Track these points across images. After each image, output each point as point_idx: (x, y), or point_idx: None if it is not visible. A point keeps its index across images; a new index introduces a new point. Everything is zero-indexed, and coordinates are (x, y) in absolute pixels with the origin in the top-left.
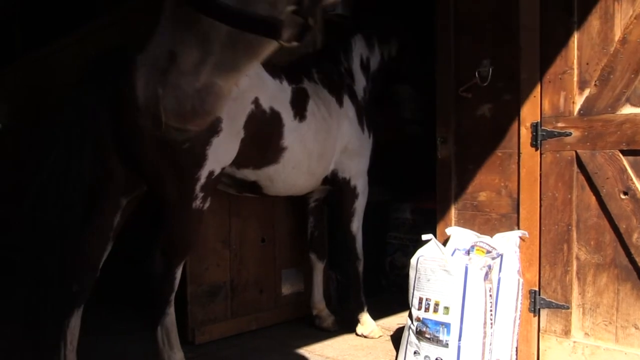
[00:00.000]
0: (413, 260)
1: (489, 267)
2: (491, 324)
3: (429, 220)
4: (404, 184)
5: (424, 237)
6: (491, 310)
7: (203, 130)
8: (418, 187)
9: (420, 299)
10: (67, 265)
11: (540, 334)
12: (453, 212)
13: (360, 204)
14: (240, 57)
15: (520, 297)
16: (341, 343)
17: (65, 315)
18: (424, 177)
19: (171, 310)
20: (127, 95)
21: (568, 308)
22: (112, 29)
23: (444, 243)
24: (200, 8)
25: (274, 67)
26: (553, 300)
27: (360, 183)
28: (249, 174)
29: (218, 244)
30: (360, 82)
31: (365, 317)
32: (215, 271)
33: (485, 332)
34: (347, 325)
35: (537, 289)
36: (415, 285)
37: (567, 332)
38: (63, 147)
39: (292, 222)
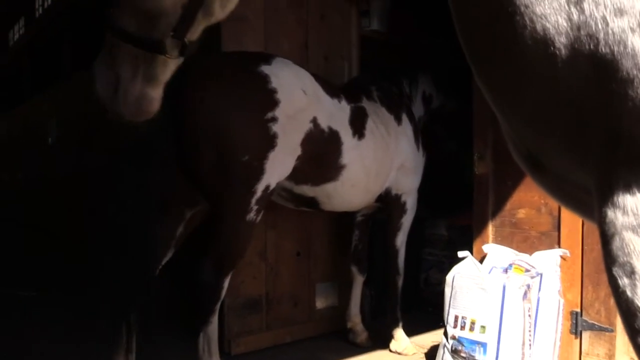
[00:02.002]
0: (449, 277)
1: (528, 286)
2: (530, 344)
3: (465, 237)
4: (440, 200)
5: (460, 254)
6: (530, 331)
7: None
8: (454, 203)
9: (456, 317)
10: (135, 266)
11: (581, 357)
12: (490, 229)
13: (407, 220)
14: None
15: (560, 318)
16: (374, 359)
17: (128, 309)
18: (460, 193)
19: (214, 319)
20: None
21: (612, 331)
22: None
23: (481, 260)
24: (119, 36)
25: (333, 87)
26: (596, 323)
27: (410, 200)
28: (307, 190)
29: (255, 257)
30: (419, 111)
31: (399, 333)
32: (252, 284)
33: (523, 353)
34: (380, 341)
35: (579, 310)
36: (451, 303)
37: (611, 356)
38: (138, 162)
39: (328, 236)
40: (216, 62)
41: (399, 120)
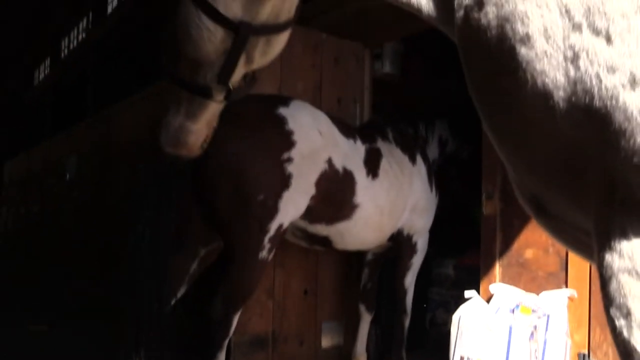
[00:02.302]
0: (455, 317)
1: (535, 327)
2: None
3: (472, 277)
4: (446, 239)
5: (467, 293)
6: None
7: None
8: (461, 242)
9: (462, 357)
10: (148, 301)
11: None
12: (497, 268)
13: (417, 260)
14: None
15: None
16: None
17: (139, 343)
18: (467, 232)
19: (222, 356)
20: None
21: None
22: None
23: (488, 300)
24: (171, 80)
25: (348, 128)
26: None
27: (421, 240)
28: (321, 229)
29: (262, 294)
30: (433, 154)
31: None
32: (258, 322)
33: None
34: None
35: (586, 351)
36: (457, 343)
37: None
38: (155, 201)
39: (335, 274)
40: (235, 103)
41: (413, 160)
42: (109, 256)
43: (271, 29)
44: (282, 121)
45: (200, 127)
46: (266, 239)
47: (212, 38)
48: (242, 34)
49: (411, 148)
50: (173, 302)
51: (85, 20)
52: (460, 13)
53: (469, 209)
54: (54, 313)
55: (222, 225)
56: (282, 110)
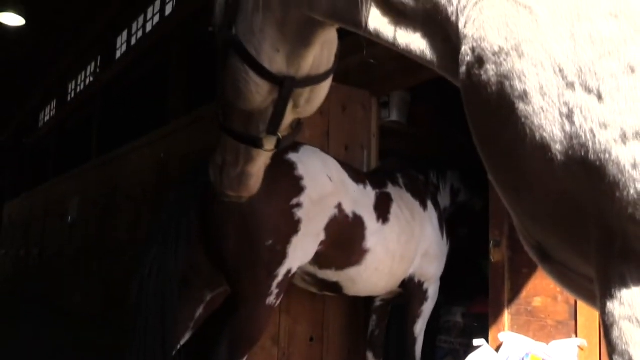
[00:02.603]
0: None
1: None
2: None
3: (481, 325)
4: (455, 287)
5: (476, 342)
6: None
7: (285, 229)
8: (470, 290)
9: None
10: (153, 346)
11: None
12: (506, 317)
13: (427, 308)
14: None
15: None
16: None
17: None
18: (475, 280)
19: None
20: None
21: None
22: (178, 135)
23: (497, 349)
24: (226, 133)
25: (358, 174)
26: None
27: (432, 287)
28: (331, 275)
29: (267, 341)
30: (445, 202)
31: None
32: None
33: None
34: None
35: None
36: None
37: None
38: (161, 245)
39: (342, 321)
40: None
41: (424, 206)
42: (112, 301)
43: (313, 80)
44: (291, 166)
45: (257, 170)
46: (274, 285)
47: (259, 92)
48: (286, 87)
49: (422, 194)
50: (177, 349)
51: (93, 64)
52: (462, 69)
53: (477, 256)
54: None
55: (230, 269)
56: (292, 156)
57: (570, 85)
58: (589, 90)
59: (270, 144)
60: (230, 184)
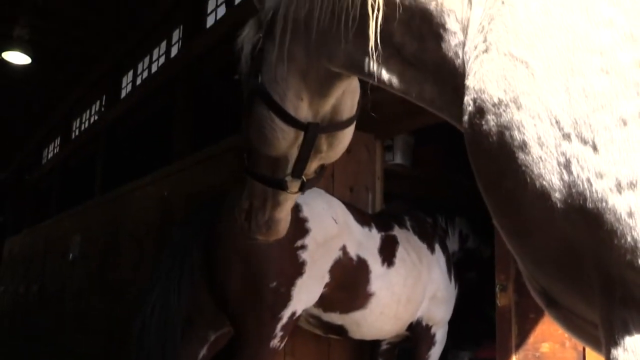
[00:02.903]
0: None
1: None
2: None
3: None
4: (463, 331)
5: None
6: None
7: (289, 273)
8: (477, 335)
9: None
10: None
11: None
12: None
13: (435, 352)
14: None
15: None
16: None
17: None
18: (483, 324)
19: None
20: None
21: None
22: (183, 174)
23: None
24: (251, 176)
25: (363, 216)
26: None
27: (440, 332)
28: (335, 318)
29: None
30: (453, 246)
31: None
32: None
33: None
34: None
35: None
36: None
37: None
38: (164, 283)
39: None
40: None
41: (431, 249)
42: (114, 340)
43: (336, 127)
44: (296, 208)
45: (285, 215)
46: (278, 327)
47: (285, 137)
48: (311, 133)
49: (430, 237)
50: None
51: (98, 103)
52: (465, 118)
53: (485, 301)
54: None
55: (233, 310)
56: (296, 197)
57: (567, 137)
58: (584, 141)
59: (295, 186)
60: (258, 229)
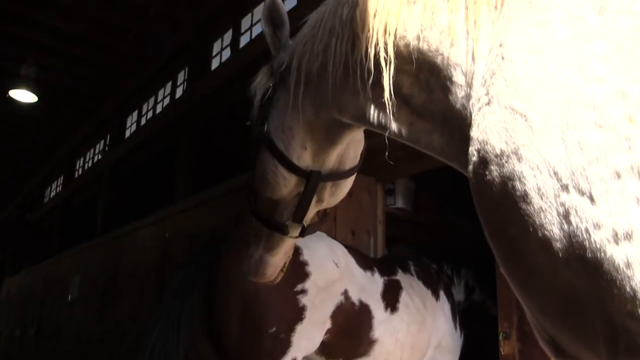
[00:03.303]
0: None
1: None
2: None
3: None
4: None
5: None
6: None
7: (289, 318)
8: None
9: None
10: None
11: None
12: None
13: None
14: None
15: None
16: None
17: None
18: None
19: None
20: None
21: None
22: (185, 215)
23: None
24: (255, 217)
25: (366, 260)
26: None
27: None
28: None
29: None
30: (459, 295)
31: None
32: None
33: None
34: None
35: None
36: None
37: None
38: (164, 326)
39: None
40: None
41: (436, 295)
42: None
43: (338, 176)
44: (296, 251)
45: (277, 259)
46: None
47: (286, 184)
48: (312, 181)
49: (434, 283)
50: None
51: (102, 143)
52: (470, 168)
53: (490, 352)
54: None
55: (232, 356)
56: (297, 241)
57: (565, 188)
58: (581, 192)
59: (295, 231)
60: (248, 269)
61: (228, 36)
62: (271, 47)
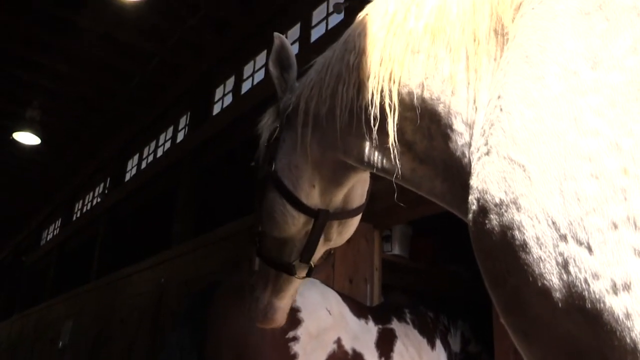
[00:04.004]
0: None
1: None
2: None
3: None
4: None
5: None
6: None
7: None
8: None
9: None
10: None
11: None
12: None
13: None
14: (282, 283)
15: None
16: None
17: None
18: None
19: None
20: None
21: None
22: (181, 260)
23: None
24: (260, 259)
25: (360, 307)
26: None
27: None
28: None
29: None
30: (455, 347)
31: None
32: None
33: None
34: None
35: None
36: None
37: None
38: None
39: None
40: (244, 281)
41: (432, 344)
42: None
43: (346, 214)
44: None
45: (285, 303)
46: None
47: (295, 223)
48: (321, 220)
49: (431, 332)
50: None
51: (102, 185)
52: (469, 216)
53: None
54: None
55: None
56: (299, 285)
57: (563, 238)
58: (580, 242)
59: (302, 271)
60: (256, 315)
61: (230, 82)
62: (278, 88)
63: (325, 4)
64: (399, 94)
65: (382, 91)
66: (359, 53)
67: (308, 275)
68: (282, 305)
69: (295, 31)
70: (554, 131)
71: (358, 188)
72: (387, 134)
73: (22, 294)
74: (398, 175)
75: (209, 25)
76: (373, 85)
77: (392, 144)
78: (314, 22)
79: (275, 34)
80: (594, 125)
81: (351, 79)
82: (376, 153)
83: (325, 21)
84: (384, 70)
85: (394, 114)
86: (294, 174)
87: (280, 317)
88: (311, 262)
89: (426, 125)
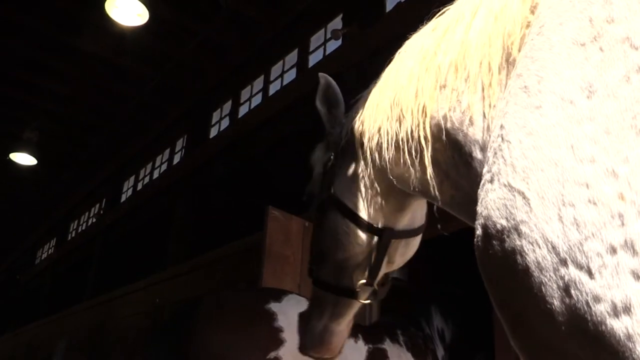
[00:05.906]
0: None
1: None
2: None
3: None
4: None
5: None
6: None
7: None
8: None
9: None
10: None
11: None
12: None
13: None
14: (342, 307)
15: None
16: None
17: None
18: None
19: None
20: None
21: None
22: (176, 280)
23: None
24: (318, 287)
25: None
26: None
27: None
28: None
29: None
30: (439, 352)
31: None
32: None
33: None
34: None
35: None
36: None
37: None
38: None
39: None
40: (227, 298)
41: None
42: None
43: (409, 233)
44: (271, 317)
45: (343, 328)
46: None
47: (358, 242)
48: (385, 237)
49: (423, 354)
50: None
51: (97, 206)
52: (475, 241)
53: None
54: None
55: None
56: (273, 305)
57: (564, 262)
58: (580, 266)
59: (365, 294)
60: (311, 342)
61: (227, 106)
62: (326, 124)
63: (323, 30)
64: (430, 126)
65: (417, 125)
66: (399, 88)
67: (370, 298)
68: (341, 330)
69: (292, 57)
70: (551, 159)
71: (419, 208)
72: (425, 165)
73: (17, 312)
74: (438, 203)
75: (207, 50)
76: (410, 119)
77: (430, 175)
78: (311, 48)
79: (320, 74)
80: (590, 152)
81: (393, 113)
82: (424, 182)
83: (323, 47)
84: (419, 104)
85: (428, 146)
86: (355, 195)
87: (337, 343)
88: (375, 285)
89: (451, 154)
